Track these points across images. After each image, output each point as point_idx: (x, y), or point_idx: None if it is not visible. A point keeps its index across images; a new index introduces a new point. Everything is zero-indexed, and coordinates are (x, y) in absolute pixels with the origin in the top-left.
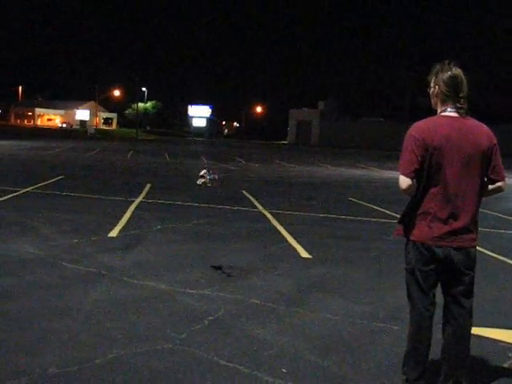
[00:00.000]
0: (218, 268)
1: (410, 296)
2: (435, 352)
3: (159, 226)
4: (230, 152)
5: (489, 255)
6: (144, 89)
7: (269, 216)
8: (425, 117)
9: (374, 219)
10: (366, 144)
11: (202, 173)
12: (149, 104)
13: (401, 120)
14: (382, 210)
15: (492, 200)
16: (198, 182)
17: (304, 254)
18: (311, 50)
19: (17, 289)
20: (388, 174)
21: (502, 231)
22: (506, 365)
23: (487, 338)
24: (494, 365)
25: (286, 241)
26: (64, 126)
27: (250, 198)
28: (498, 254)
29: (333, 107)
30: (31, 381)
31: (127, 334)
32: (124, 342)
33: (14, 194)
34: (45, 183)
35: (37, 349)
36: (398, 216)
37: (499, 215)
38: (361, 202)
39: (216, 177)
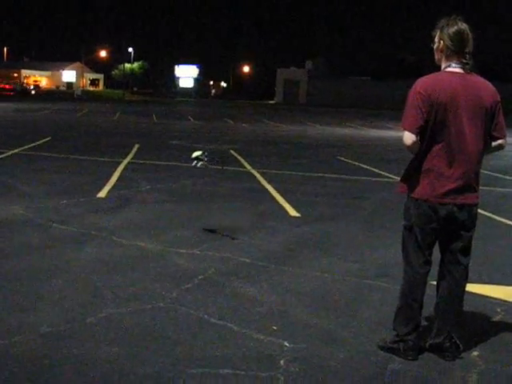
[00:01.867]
0: (210, 230)
1: (405, 253)
2: (427, 309)
3: (148, 187)
4: (217, 112)
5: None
6: (131, 49)
7: (257, 175)
8: (412, 75)
9: (363, 177)
10: (353, 103)
11: (196, 154)
12: (135, 65)
13: (387, 79)
14: (371, 168)
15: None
16: (196, 165)
17: (293, 212)
18: (299, 9)
19: (6, 250)
20: (375, 132)
21: (492, 188)
22: (495, 319)
23: (477, 294)
24: (484, 320)
25: (275, 200)
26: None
27: (239, 157)
28: (489, 211)
29: (320, 66)
30: (23, 339)
31: (118, 294)
32: (115, 301)
33: (1, 155)
34: (32, 145)
35: (28, 308)
36: (390, 175)
37: (490, 173)
38: (349, 161)
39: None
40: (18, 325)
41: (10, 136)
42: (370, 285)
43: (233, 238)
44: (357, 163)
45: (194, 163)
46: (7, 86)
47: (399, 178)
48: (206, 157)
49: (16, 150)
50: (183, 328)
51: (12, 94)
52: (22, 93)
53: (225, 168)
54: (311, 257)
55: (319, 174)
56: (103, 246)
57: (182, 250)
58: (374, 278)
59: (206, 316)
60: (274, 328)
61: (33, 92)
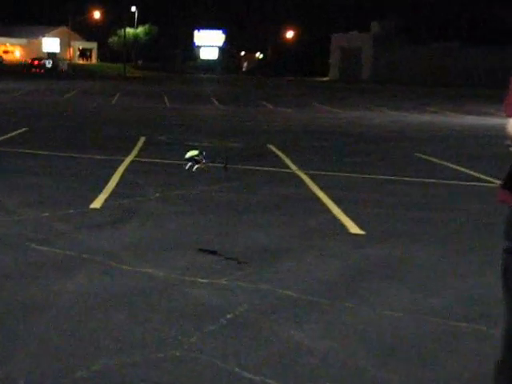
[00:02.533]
0: (208, 251)
1: (507, 285)
2: None
3: (158, 194)
4: (251, 93)
5: None
6: (134, 9)
7: (305, 178)
8: None
9: (450, 181)
10: (437, 79)
11: (190, 154)
12: (140, 29)
13: (483, 45)
14: (460, 168)
15: None
16: (190, 168)
17: (354, 228)
18: None
19: None
20: (469, 119)
21: None
22: None
23: None
24: None
25: (330, 212)
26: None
27: (280, 154)
28: None
29: (391, 29)
30: None
31: (118, 338)
32: (114, 348)
33: None
34: (3, 138)
35: None
36: (489, 178)
37: None
38: (431, 159)
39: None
40: None
41: None
42: (459, 328)
43: (273, 264)
44: (442, 162)
45: (187, 166)
46: (36, 62)
47: (500, 183)
48: (204, 157)
49: None
50: None
51: (42, 71)
52: (53, 70)
53: (229, 169)
54: (378, 289)
55: (390, 177)
56: (98, 273)
57: (203, 280)
58: (463, 318)
59: (236, 369)
60: None
61: (64, 68)
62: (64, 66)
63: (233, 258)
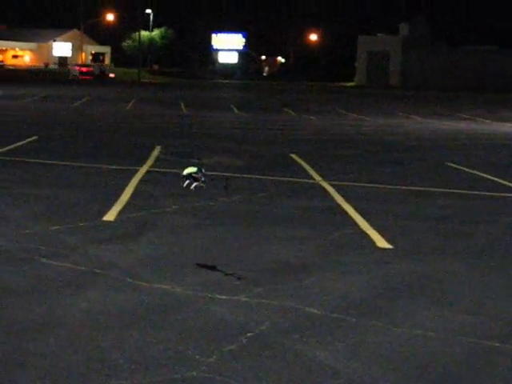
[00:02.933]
0: (207, 266)
1: None
2: None
3: (175, 206)
4: (272, 99)
5: None
6: (149, 11)
7: (330, 190)
8: None
9: (484, 193)
10: (471, 84)
11: (188, 171)
12: (156, 32)
13: None
14: (495, 179)
15: None
16: (188, 186)
17: (381, 242)
18: None
19: None
20: (503, 127)
21: None
22: None
23: None
24: None
25: (356, 225)
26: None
27: (303, 164)
28: None
29: (421, 31)
30: None
31: (133, 358)
32: (129, 368)
33: None
34: (12, 147)
35: (5, 379)
36: None
37: None
38: (463, 169)
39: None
40: None
41: None
42: (495, 349)
43: (296, 280)
44: (475, 172)
45: (185, 183)
46: (84, 69)
47: None
48: (203, 174)
49: None
50: None
51: (91, 78)
52: (101, 76)
53: (229, 189)
54: (407, 307)
55: (419, 188)
56: (112, 289)
57: (222, 296)
58: (500, 338)
59: None
60: None
61: (112, 75)
62: (75, 72)
63: (254, 274)
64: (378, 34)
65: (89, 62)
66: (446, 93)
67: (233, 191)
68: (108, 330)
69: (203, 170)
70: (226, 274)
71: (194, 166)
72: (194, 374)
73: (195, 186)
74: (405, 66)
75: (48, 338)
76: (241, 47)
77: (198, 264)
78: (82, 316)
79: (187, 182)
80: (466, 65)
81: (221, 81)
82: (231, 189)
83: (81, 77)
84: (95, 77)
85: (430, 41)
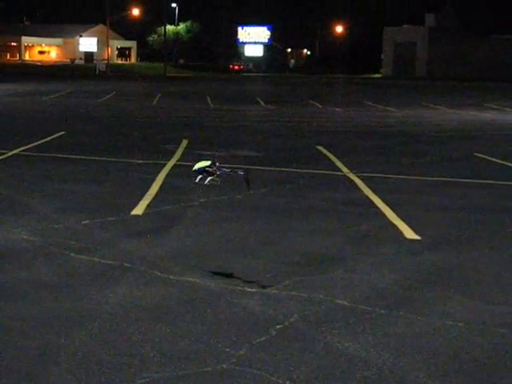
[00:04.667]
0: (224, 274)
1: None
2: None
3: (202, 199)
4: (299, 92)
5: None
6: (174, 5)
7: (357, 181)
8: None
9: (511, 183)
10: (499, 74)
11: (200, 165)
12: (181, 26)
13: None
14: None
15: None
16: (201, 181)
17: (410, 234)
18: None
19: (8, 290)
20: None
21: None
22: None
23: None
24: None
25: (384, 216)
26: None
27: (330, 156)
28: None
29: (448, 22)
30: None
31: (163, 351)
32: (159, 361)
33: None
34: (40, 142)
35: (38, 372)
36: None
37: None
38: (492, 159)
39: (228, 171)
40: None
41: (8, 130)
42: None
43: (324, 272)
44: (503, 162)
45: (197, 178)
46: (236, 67)
47: None
48: (218, 168)
49: (17, 150)
50: None
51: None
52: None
53: (250, 183)
54: (437, 298)
55: (448, 179)
56: (141, 283)
57: (251, 289)
58: None
59: (287, 382)
60: None
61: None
62: (101, 67)
63: (283, 266)
64: (404, 25)
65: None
66: (472, 83)
67: (254, 184)
68: (138, 324)
69: (217, 164)
70: (255, 267)
71: (206, 159)
72: (224, 366)
73: (210, 181)
74: (431, 57)
75: (78, 332)
76: (266, 40)
77: (226, 257)
78: (111, 310)
79: (200, 177)
80: (493, 55)
81: (247, 74)
82: (252, 182)
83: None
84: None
85: (457, 31)
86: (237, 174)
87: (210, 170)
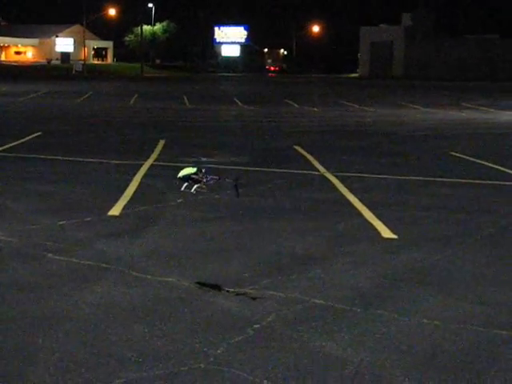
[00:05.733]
0: (208, 285)
1: None
2: None
3: (179, 200)
4: (275, 92)
5: None
6: (151, 5)
7: (334, 181)
8: None
9: (488, 182)
10: (473, 74)
11: (185, 172)
12: (158, 26)
13: None
14: (500, 168)
15: None
16: (187, 190)
17: (386, 233)
18: None
19: None
20: (507, 116)
21: None
22: None
23: None
24: None
25: (361, 215)
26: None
27: (307, 156)
28: None
29: (424, 21)
30: None
31: (140, 351)
32: (136, 361)
33: None
34: (15, 143)
35: (16, 373)
36: None
37: None
38: (467, 158)
39: (216, 178)
40: None
41: None
42: (499, 336)
43: (302, 271)
44: (479, 161)
45: (183, 187)
46: (272, 68)
47: None
48: (204, 175)
49: None
50: None
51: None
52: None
53: (240, 192)
54: (414, 296)
55: (424, 178)
56: (119, 283)
57: (229, 289)
58: (506, 326)
59: (265, 381)
60: None
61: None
62: (78, 67)
63: (260, 266)
64: (381, 25)
65: (91, 58)
66: (449, 82)
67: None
68: (115, 324)
69: (203, 170)
70: (232, 267)
71: (192, 166)
72: (202, 365)
73: (196, 189)
74: (408, 57)
75: (56, 333)
76: (243, 40)
77: (202, 257)
78: (89, 310)
79: (185, 184)
80: (468, 54)
81: (224, 74)
82: (242, 188)
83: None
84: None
85: (433, 31)
86: (225, 181)
87: (196, 177)
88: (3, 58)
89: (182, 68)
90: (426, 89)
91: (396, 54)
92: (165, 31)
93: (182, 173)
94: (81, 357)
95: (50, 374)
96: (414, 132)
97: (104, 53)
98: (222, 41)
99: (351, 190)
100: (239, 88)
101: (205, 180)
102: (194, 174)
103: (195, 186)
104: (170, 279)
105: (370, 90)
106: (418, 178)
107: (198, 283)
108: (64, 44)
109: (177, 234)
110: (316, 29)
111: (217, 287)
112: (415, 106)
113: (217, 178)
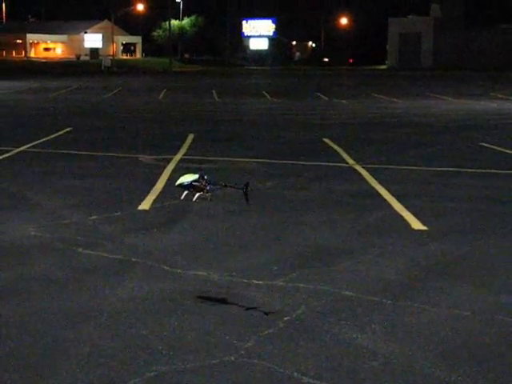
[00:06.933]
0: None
1: None
2: None
3: (208, 193)
4: (304, 84)
5: None
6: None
7: (364, 173)
8: None
9: None
10: (505, 64)
11: (187, 179)
12: (186, 21)
13: None
14: None
15: None
16: (188, 198)
17: (416, 224)
18: None
19: (16, 286)
20: None
21: None
22: None
23: None
24: None
25: (390, 207)
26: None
27: (336, 148)
28: None
29: (454, 11)
30: None
31: (171, 344)
32: (167, 354)
33: (5, 155)
34: (46, 139)
35: (47, 367)
36: None
37: None
38: (498, 149)
39: (221, 184)
40: None
41: (14, 127)
42: None
43: (331, 264)
44: (510, 151)
45: (183, 195)
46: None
47: None
48: (207, 182)
49: (24, 147)
50: None
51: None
52: None
53: (250, 197)
54: (444, 288)
55: (454, 169)
56: (149, 277)
57: (258, 282)
58: None
59: (295, 374)
60: None
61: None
62: (107, 63)
63: (289, 259)
64: (409, 16)
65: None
66: (478, 73)
67: (261, 180)
68: (146, 318)
69: (206, 177)
70: (262, 260)
71: (193, 172)
72: (232, 358)
73: (198, 197)
74: (437, 47)
75: (87, 326)
76: (271, 33)
77: (232, 250)
78: (120, 304)
79: (186, 193)
80: (498, 44)
81: (252, 67)
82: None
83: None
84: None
85: (462, 21)
86: (233, 187)
87: (198, 184)
88: (33, 55)
89: (211, 62)
90: (456, 80)
91: (425, 44)
92: (193, 25)
93: (181, 180)
94: (112, 350)
95: (81, 367)
96: (444, 123)
97: (133, 48)
98: (250, 34)
99: (380, 182)
100: (267, 81)
101: (208, 187)
102: (196, 180)
103: (197, 195)
104: (200, 273)
105: (399, 81)
106: (447, 168)
107: (228, 276)
108: (93, 40)
109: (206, 227)
110: (344, 21)
111: (246, 280)
112: (445, 97)
113: (222, 184)
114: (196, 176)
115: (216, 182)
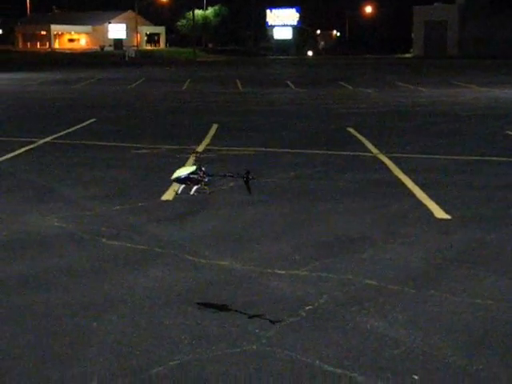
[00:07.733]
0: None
1: None
2: None
3: (231, 184)
4: (329, 73)
5: None
6: None
7: (387, 162)
8: None
9: None
10: None
11: (184, 172)
12: (210, 11)
13: None
14: None
15: None
16: (185, 191)
17: (440, 213)
18: None
19: (40, 277)
20: None
21: None
22: None
23: None
24: None
25: (414, 196)
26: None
27: (360, 137)
28: None
29: None
30: None
31: (194, 333)
32: (190, 343)
33: (30, 146)
34: (70, 130)
35: (72, 356)
36: None
37: None
38: None
39: (220, 175)
40: (58, 379)
41: (39, 118)
42: None
43: (354, 252)
44: None
45: (179, 189)
46: None
47: None
48: (206, 173)
49: (48, 138)
50: (286, 380)
51: None
52: None
53: (251, 186)
54: (467, 276)
55: (478, 158)
56: (172, 267)
57: (281, 271)
58: None
59: (317, 362)
60: (415, 377)
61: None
62: (131, 53)
63: (312, 248)
64: (435, 3)
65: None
66: (505, 60)
67: (276, 172)
68: (169, 307)
69: (203, 168)
70: (284, 249)
71: (190, 165)
72: (254, 347)
73: (197, 191)
74: (463, 35)
75: (111, 316)
76: (295, 22)
77: (255, 240)
78: (143, 294)
79: (182, 186)
80: None
81: (276, 57)
82: (253, 184)
83: None
84: None
85: (489, 8)
86: (233, 176)
87: (195, 177)
88: (57, 46)
89: (235, 52)
90: (482, 68)
91: (450, 32)
92: (217, 15)
93: (177, 173)
94: (135, 339)
95: (104, 357)
96: (469, 111)
97: (156, 38)
98: (274, 24)
99: (404, 171)
100: (292, 70)
101: (206, 180)
102: (193, 173)
103: (195, 188)
104: (223, 262)
105: (425, 70)
106: (472, 157)
107: (251, 266)
108: (116, 30)
109: (229, 217)
110: (369, 9)
111: (269, 270)
112: (471, 86)
113: (222, 174)
114: (193, 168)
115: (214, 173)
